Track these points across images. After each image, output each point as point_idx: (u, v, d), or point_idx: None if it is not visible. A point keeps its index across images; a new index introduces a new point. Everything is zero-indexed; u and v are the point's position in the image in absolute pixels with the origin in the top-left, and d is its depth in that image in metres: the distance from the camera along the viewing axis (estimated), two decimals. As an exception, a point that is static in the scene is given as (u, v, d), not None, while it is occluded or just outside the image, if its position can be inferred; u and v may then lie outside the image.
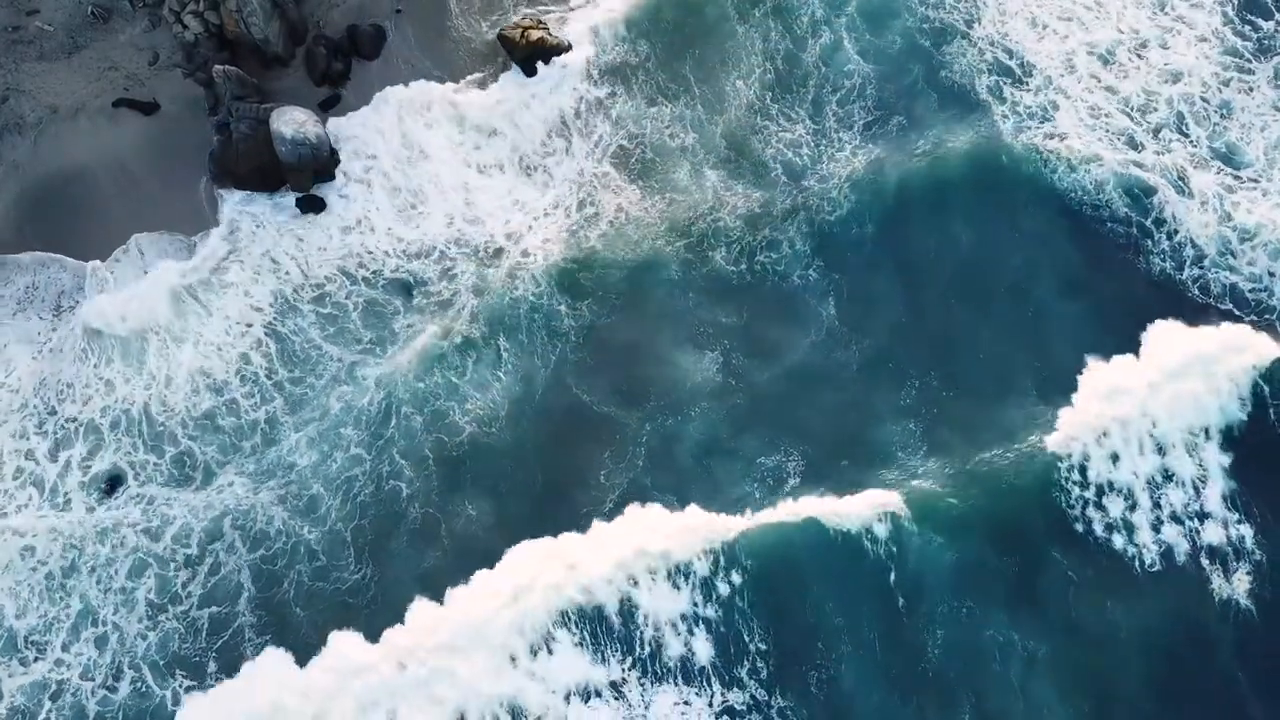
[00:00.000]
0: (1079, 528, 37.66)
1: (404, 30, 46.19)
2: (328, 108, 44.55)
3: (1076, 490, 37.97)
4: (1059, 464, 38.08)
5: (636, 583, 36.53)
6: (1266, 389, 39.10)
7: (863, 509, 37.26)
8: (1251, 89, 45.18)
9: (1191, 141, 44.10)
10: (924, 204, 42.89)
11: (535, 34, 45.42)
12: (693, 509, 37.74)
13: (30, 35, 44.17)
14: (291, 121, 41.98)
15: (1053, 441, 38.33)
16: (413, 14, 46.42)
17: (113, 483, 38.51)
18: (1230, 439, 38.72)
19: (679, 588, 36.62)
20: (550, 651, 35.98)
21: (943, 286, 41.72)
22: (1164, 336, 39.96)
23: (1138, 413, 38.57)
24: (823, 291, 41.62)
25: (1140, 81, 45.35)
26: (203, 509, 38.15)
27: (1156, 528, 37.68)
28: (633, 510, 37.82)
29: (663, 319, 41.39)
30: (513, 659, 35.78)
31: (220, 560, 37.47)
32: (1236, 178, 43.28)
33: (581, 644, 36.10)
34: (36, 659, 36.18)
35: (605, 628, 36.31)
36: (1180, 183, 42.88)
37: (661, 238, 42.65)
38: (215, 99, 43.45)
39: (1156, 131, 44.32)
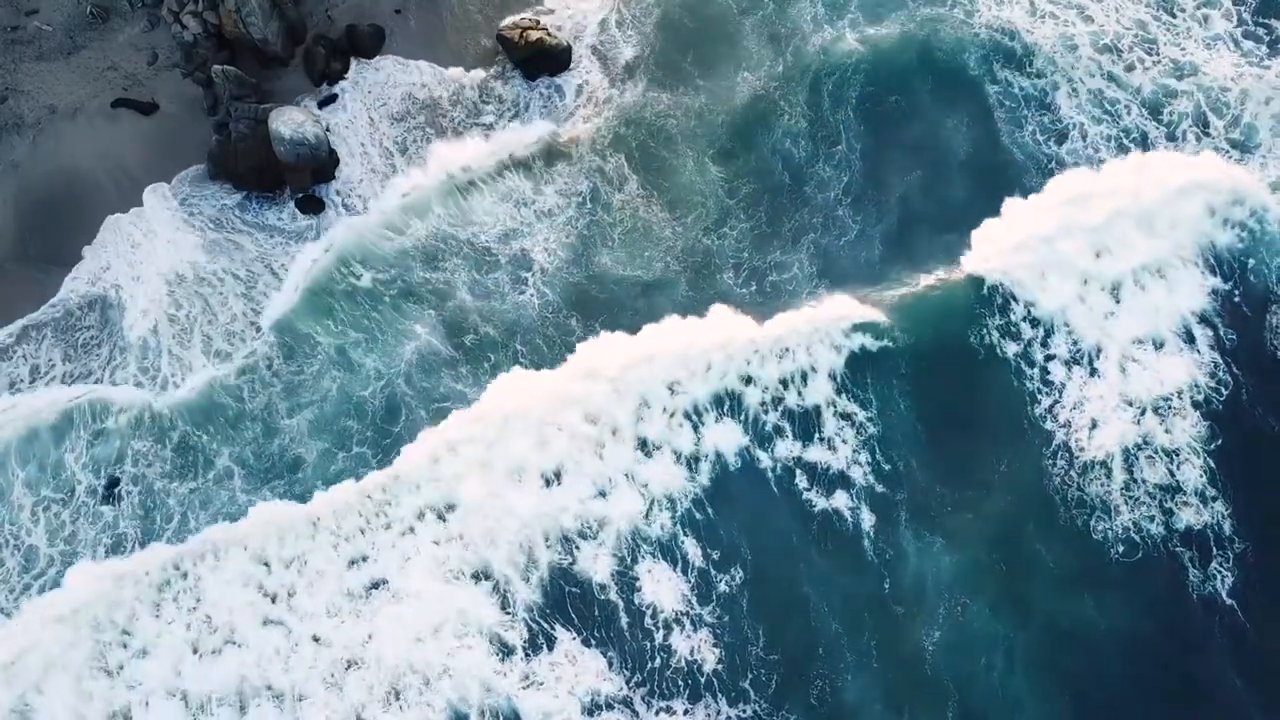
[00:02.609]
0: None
1: (403, 30, 46.10)
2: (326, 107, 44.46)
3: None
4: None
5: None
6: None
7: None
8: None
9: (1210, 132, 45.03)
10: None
11: (534, 34, 45.34)
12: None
13: (29, 35, 44.09)
14: (290, 121, 41.91)
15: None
16: (412, 14, 46.33)
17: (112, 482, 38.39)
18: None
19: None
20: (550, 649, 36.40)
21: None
22: None
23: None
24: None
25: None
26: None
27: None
28: None
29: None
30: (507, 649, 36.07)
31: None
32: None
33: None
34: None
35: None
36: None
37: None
38: (214, 99, 43.40)
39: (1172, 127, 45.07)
